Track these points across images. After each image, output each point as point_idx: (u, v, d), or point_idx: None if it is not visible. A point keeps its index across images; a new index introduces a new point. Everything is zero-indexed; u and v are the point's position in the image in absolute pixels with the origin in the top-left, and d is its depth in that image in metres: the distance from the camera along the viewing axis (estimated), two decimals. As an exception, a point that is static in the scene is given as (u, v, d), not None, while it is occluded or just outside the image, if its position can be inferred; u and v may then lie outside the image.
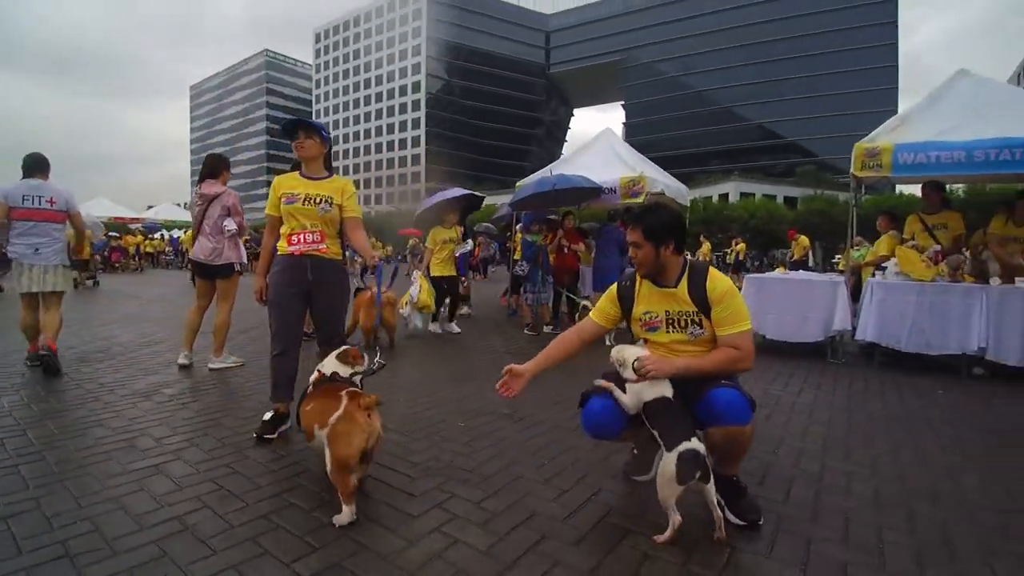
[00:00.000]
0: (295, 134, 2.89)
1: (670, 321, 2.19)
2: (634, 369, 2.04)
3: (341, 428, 1.99)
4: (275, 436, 2.82)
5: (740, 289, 5.90)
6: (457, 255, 6.99)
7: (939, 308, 4.87)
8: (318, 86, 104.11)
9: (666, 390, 2.04)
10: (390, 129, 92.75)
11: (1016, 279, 4.75)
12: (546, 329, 6.96)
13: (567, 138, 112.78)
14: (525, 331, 6.87)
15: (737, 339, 2.08)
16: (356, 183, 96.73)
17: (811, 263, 17.61)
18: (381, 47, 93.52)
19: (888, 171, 4.98)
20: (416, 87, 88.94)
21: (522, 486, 2.34)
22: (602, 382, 2.21)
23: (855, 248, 6.58)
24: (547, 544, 1.89)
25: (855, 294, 5.88)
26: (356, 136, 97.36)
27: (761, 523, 2.03)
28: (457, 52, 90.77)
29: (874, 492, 2.41)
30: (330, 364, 2.43)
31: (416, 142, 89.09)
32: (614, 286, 2.40)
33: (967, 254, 5.50)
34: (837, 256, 21.84)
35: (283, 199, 2.86)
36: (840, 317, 5.31)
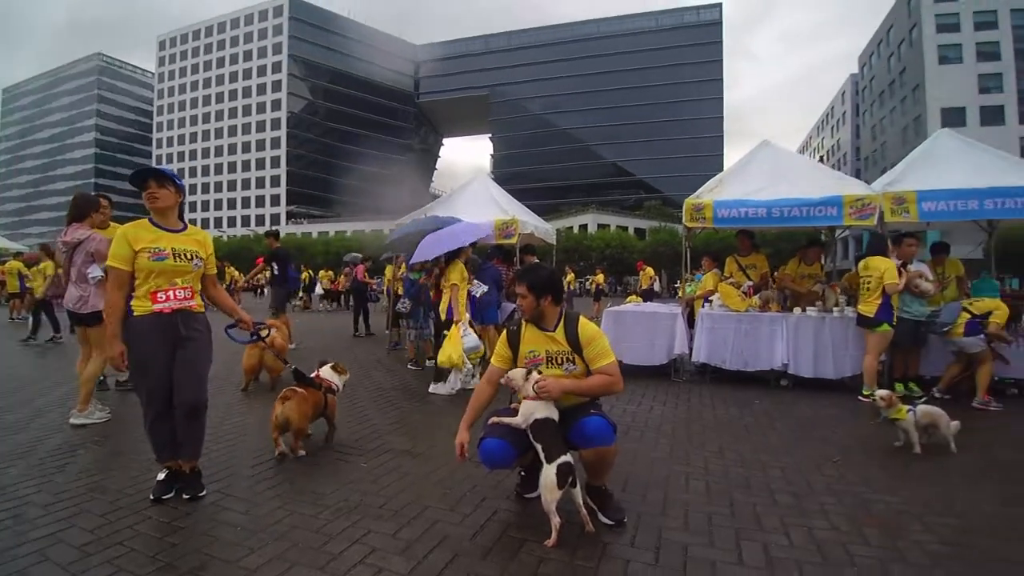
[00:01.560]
0: (146, 184, 2.72)
1: (550, 359, 2.69)
2: (533, 388, 2.50)
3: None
4: (172, 495, 2.75)
5: (600, 322, 6.73)
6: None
7: (752, 333, 6.07)
8: (160, 97, 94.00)
9: (553, 413, 2.52)
10: (246, 148, 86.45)
11: (807, 308, 6.09)
12: (428, 363, 7.23)
13: (437, 166, 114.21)
14: (408, 365, 7.08)
15: (607, 368, 2.62)
16: (205, 204, 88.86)
17: (658, 289, 19.92)
18: (237, 60, 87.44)
19: (711, 223, 6.17)
20: (276, 105, 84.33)
21: (431, 515, 2.63)
22: (495, 419, 2.63)
23: (688, 283, 7.81)
24: (460, 561, 2.22)
25: (691, 322, 7.02)
26: (205, 153, 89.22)
27: (625, 521, 2.56)
28: (322, 72, 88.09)
29: (706, 487, 3.09)
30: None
31: (276, 162, 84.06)
32: (505, 332, 2.87)
33: (774, 288, 6.88)
34: (679, 282, 24.88)
35: (149, 255, 2.67)
36: (679, 343, 6.34)
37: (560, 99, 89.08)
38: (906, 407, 3.71)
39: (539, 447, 2.46)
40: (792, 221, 6.11)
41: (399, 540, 2.38)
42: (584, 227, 55.99)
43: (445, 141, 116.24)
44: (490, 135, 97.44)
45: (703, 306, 6.70)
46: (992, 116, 43.68)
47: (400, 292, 7.79)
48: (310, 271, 21.81)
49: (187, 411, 2.78)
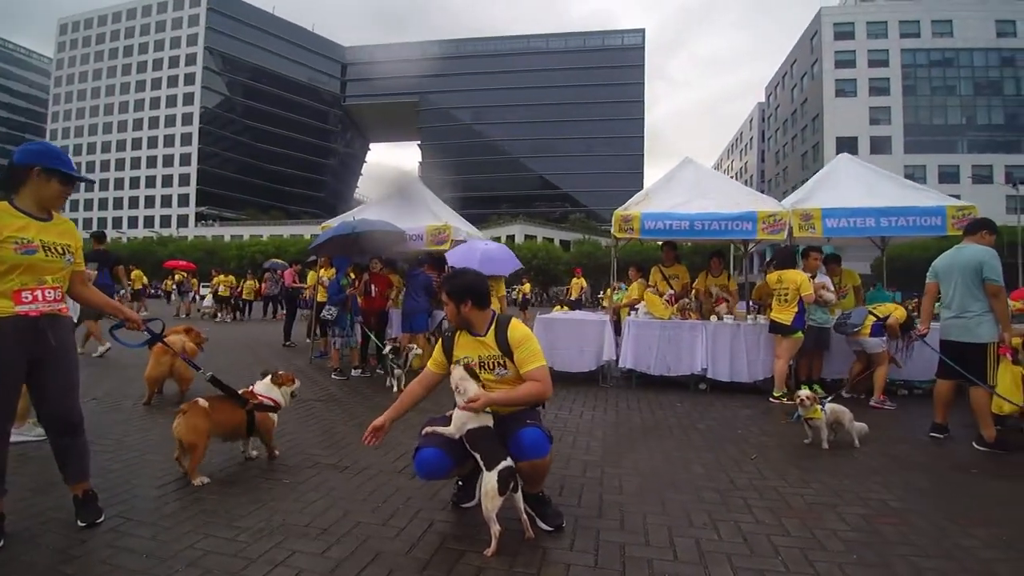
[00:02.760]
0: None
1: (482, 364, 2.64)
2: (462, 402, 2.46)
3: None
4: (2, 542, 2.25)
5: (532, 327, 6.78)
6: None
7: (675, 340, 6.33)
8: (59, 84, 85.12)
9: (487, 420, 2.48)
10: (152, 143, 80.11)
11: (724, 316, 6.44)
12: (354, 372, 6.96)
13: (363, 171, 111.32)
14: (333, 375, 6.76)
15: (535, 373, 2.59)
16: (103, 202, 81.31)
17: (578, 298, 20.49)
18: (147, 49, 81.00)
19: (638, 234, 6.40)
20: (189, 99, 78.87)
21: (362, 531, 2.48)
22: (428, 428, 2.56)
23: (615, 291, 8.07)
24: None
25: (618, 329, 7.23)
26: (106, 147, 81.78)
27: (564, 526, 2.55)
28: (241, 68, 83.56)
29: (638, 487, 3.15)
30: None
31: (186, 160, 78.46)
32: (440, 339, 2.81)
33: (692, 297, 7.24)
34: (601, 293, 25.68)
35: (15, 247, 2.24)
36: (607, 349, 6.50)
37: (490, 110, 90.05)
38: (819, 407, 4.00)
39: (478, 456, 2.39)
40: (711, 234, 6.47)
41: (328, 559, 2.23)
42: (512, 238, 56.61)
43: (372, 146, 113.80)
44: (419, 142, 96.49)
45: (629, 314, 6.93)
46: (880, 145, 49.07)
47: (324, 299, 7.45)
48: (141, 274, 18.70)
49: (67, 428, 2.47)
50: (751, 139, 77.91)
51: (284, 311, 12.66)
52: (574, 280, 17.67)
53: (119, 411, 4.72)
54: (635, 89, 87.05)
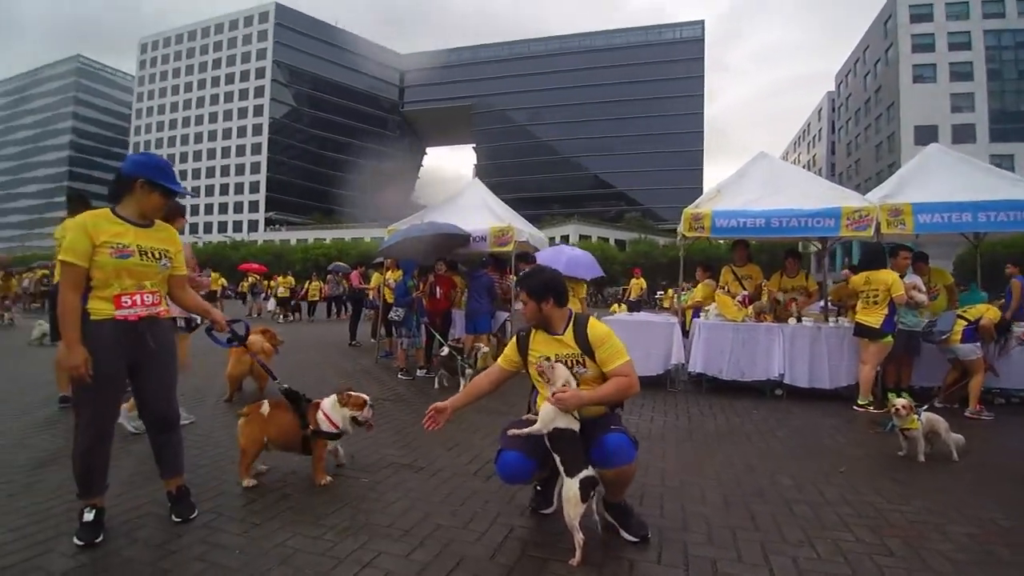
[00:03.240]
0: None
1: (560, 363, 2.56)
2: (551, 396, 2.38)
3: None
4: (101, 539, 2.34)
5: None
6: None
7: (749, 343, 6.04)
8: (140, 100, 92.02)
9: (574, 424, 2.39)
10: (225, 153, 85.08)
11: (803, 319, 6.10)
12: (419, 372, 7.07)
13: (420, 175, 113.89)
14: (399, 375, 6.90)
15: (621, 369, 2.50)
16: (183, 209, 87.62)
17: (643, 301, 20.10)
18: (220, 65, 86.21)
19: (708, 232, 6.15)
20: (259, 110, 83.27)
21: (443, 534, 2.48)
22: (512, 432, 2.50)
23: (682, 292, 7.81)
24: (481, 583, 2.08)
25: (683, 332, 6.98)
26: (183, 158, 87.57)
27: (649, 537, 2.45)
28: (306, 79, 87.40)
29: (723, 498, 3.00)
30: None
31: (256, 168, 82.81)
32: (515, 337, 2.76)
33: (765, 300, 6.89)
34: (659, 293, 25.05)
35: (111, 251, 2.31)
36: (676, 352, 6.28)
37: (544, 111, 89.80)
38: (916, 416, 3.70)
39: (558, 459, 2.33)
40: (789, 232, 6.12)
41: (413, 562, 2.23)
42: (566, 238, 56.22)
43: (428, 150, 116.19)
44: (474, 145, 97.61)
45: (697, 316, 6.68)
46: (963, 134, 45.11)
47: (390, 300, 7.61)
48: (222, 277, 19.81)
49: (164, 426, 2.60)
50: (820, 131, 73.86)
51: (348, 311, 13.09)
52: (633, 280, 17.33)
53: (203, 407, 4.98)
54: (694, 83, 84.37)
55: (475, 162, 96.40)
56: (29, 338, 9.21)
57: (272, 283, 19.44)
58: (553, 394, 2.38)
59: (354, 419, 3.05)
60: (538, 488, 2.74)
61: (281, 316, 17.18)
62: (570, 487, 2.23)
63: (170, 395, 2.62)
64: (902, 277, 5.48)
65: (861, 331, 5.43)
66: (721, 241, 7.52)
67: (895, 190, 6.06)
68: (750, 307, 6.29)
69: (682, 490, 3.12)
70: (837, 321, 6.14)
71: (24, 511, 2.63)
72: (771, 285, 6.80)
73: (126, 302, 2.36)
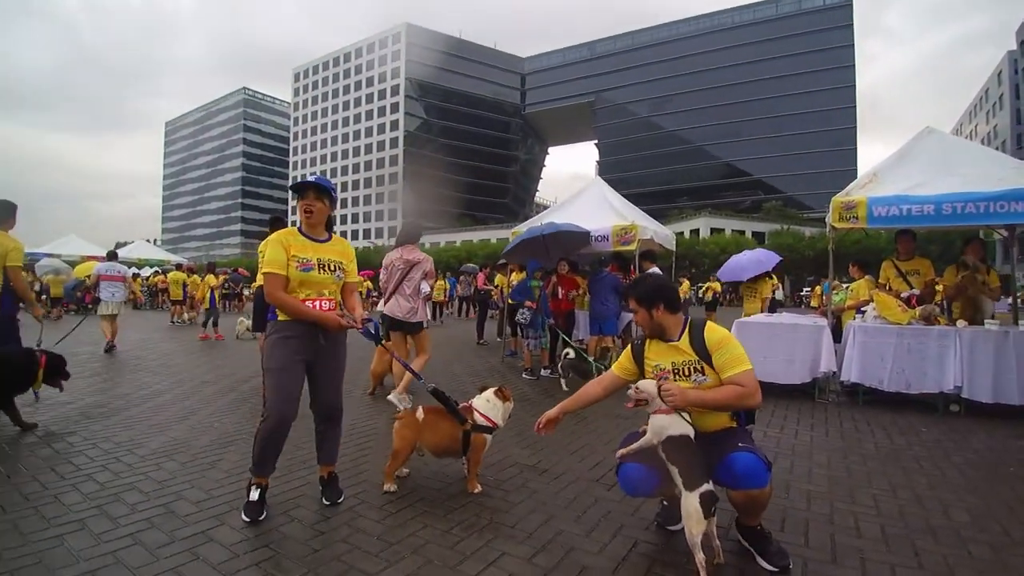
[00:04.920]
0: (305, 194, 2.78)
1: (676, 371, 2.44)
2: (659, 394, 2.27)
3: None
4: (264, 516, 2.63)
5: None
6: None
7: (917, 350, 5.24)
8: (296, 124, 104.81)
9: (688, 430, 2.25)
10: (367, 166, 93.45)
11: (985, 321, 5.16)
12: (544, 372, 7.13)
13: (542, 175, 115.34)
14: (524, 375, 7.02)
15: (740, 378, 2.31)
16: (336, 219, 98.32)
17: (780, 297, 18.35)
18: (360, 86, 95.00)
19: (864, 223, 5.40)
20: (394, 125, 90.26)
21: (565, 540, 2.48)
22: (622, 451, 2.41)
23: (835, 292, 6.98)
24: (603, 597, 2.03)
25: (834, 335, 6.23)
26: (334, 173, 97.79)
27: (791, 567, 2.22)
28: (435, 92, 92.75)
29: (880, 531, 2.63)
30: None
31: (394, 179, 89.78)
32: (629, 346, 2.68)
33: (936, 302, 5.92)
34: (805, 289, 22.63)
35: (297, 265, 2.72)
36: (826, 359, 5.62)
37: (669, 100, 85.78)
38: None
39: (675, 470, 2.19)
40: (967, 219, 5.18)
41: (535, 567, 2.25)
42: (696, 232, 53.29)
43: (551, 150, 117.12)
44: (595, 141, 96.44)
45: (854, 318, 5.93)
46: None
47: (511, 303, 7.78)
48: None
49: (330, 414, 2.92)
50: (1000, 96, 61.77)
51: (476, 311, 13.66)
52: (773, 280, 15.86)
53: (349, 399, 5.47)
54: (842, 54, 74.97)
55: (597, 159, 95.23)
56: (236, 333, 10.94)
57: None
58: (661, 387, 2.28)
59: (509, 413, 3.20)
60: (664, 503, 2.62)
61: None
62: (689, 502, 2.09)
63: (339, 388, 2.95)
64: None
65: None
66: (882, 232, 6.60)
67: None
68: (917, 309, 5.45)
69: (832, 518, 2.78)
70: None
71: (203, 487, 3.08)
72: (946, 279, 5.83)
73: (308, 306, 2.73)
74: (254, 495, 2.69)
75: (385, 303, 5.11)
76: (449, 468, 3.39)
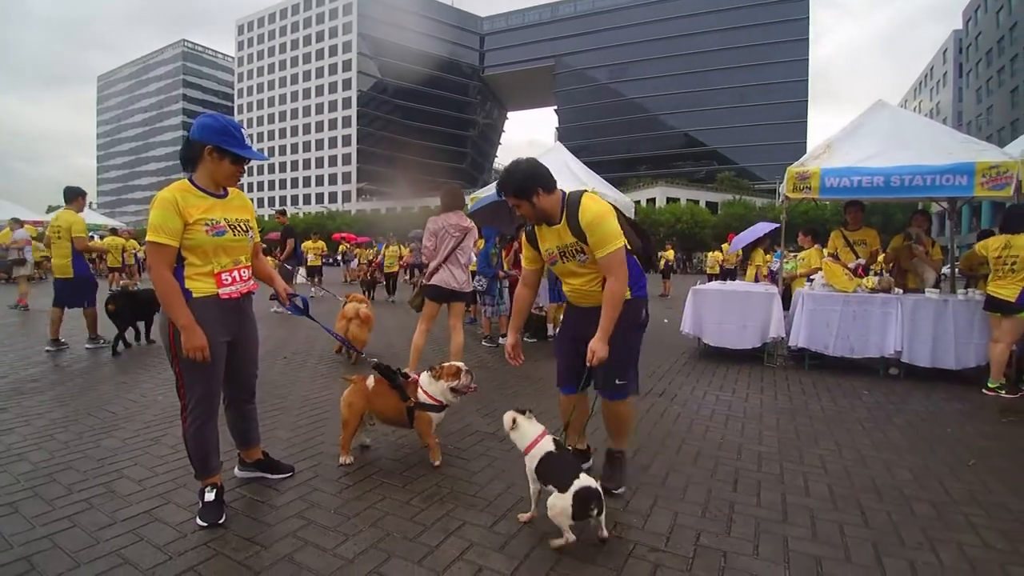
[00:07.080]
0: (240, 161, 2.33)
1: (562, 253, 2.49)
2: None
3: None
4: (224, 519, 2.29)
5: (684, 300, 6.32)
6: None
7: (861, 316, 5.48)
8: (240, 80, 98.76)
9: (546, 448, 2.24)
10: (319, 127, 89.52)
11: (926, 290, 5.44)
12: (501, 340, 7.11)
13: (501, 141, 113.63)
14: (483, 343, 6.99)
15: (607, 261, 2.35)
16: (282, 182, 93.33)
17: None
18: (310, 41, 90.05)
19: (816, 193, 5.55)
20: (347, 84, 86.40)
21: (526, 507, 2.45)
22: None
23: (786, 260, 7.20)
24: (566, 562, 2.04)
25: (784, 302, 6.45)
26: (282, 133, 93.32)
27: (616, 492, 2.60)
28: (390, 50, 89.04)
29: (828, 490, 2.75)
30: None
31: (347, 141, 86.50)
32: (524, 233, 2.71)
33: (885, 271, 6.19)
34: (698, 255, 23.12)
35: (207, 229, 2.21)
36: (775, 325, 5.83)
37: (629, 67, 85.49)
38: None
39: (551, 487, 2.12)
40: (913, 192, 5.39)
41: (496, 535, 2.24)
42: (652, 201, 54.12)
43: (510, 114, 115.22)
44: (555, 107, 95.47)
45: (804, 285, 6.14)
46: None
47: (473, 269, 7.67)
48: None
49: (251, 394, 2.61)
50: (944, 74, 64.56)
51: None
52: (724, 246, 16.34)
53: (304, 369, 5.32)
54: (797, 27, 76.33)
55: (556, 125, 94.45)
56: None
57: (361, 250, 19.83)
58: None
59: (453, 389, 2.93)
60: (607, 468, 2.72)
61: (312, 288, 13.55)
62: (563, 500, 2.04)
63: (256, 364, 2.63)
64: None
65: (993, 304, 4.76)
66: (827, 203, 6.80)
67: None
68: (866, 279, 5.68)
69: (782, 478, 2.89)
70: (967, 293, 5.42)
71: (146, 464, 2.92)
72: (894, 246, 6.11)
73: (226, 279, 2.31)
74: (209, 496, 2.32)
75: (432, 273, 4.60)
76: (408, 438, 3.33)
